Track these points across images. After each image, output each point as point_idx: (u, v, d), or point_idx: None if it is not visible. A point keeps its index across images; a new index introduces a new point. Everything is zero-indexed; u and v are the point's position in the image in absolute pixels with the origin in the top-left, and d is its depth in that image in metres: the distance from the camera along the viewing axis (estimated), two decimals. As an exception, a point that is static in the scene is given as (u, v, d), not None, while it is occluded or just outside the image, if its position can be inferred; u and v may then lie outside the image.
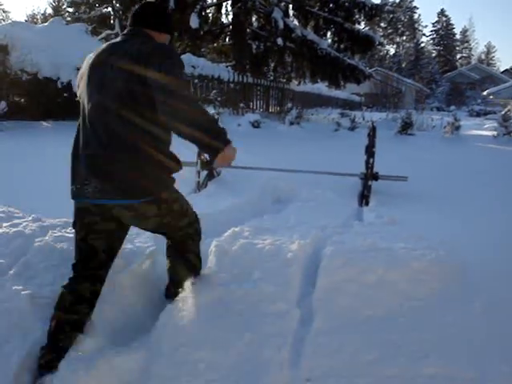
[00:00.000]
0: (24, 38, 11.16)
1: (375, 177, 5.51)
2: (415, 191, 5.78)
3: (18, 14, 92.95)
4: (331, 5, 17.92)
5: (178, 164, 2.74)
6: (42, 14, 55.90)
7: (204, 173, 5.80)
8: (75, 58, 11.44)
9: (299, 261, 3.21)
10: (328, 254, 3.22)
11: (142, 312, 2.99)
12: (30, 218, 3.57)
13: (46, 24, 13.05)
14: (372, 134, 5.68)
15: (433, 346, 2.52)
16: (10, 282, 2.76)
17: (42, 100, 11.22)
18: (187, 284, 2.84)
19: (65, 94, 11.28)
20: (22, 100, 11.47)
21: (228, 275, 3.05)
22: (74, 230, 2.74)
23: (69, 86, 11.20)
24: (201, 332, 2.57)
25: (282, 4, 17.83)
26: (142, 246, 3.45)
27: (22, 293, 2.66)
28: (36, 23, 43.58)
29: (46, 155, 7.09)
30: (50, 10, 55.18)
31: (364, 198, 5.33)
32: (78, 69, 10.22)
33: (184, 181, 5.59)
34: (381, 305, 2.81)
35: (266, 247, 3.35)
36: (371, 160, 5.37)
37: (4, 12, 54.25)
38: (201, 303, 2.79)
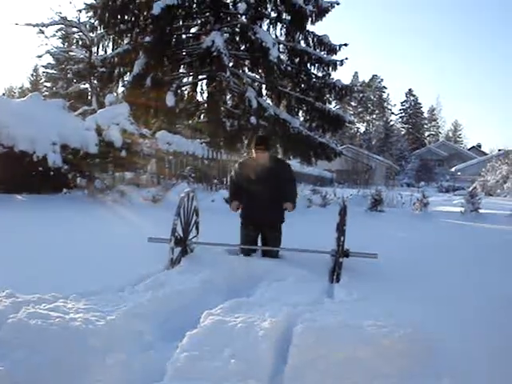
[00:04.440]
0: (1, 112, 11.29)
1: (346, 254, 5.60)
2: (385, 268, 5.89)
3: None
4: (303, 85, 18.63)
5: None
6: (20, 88, 56.54)
7: (177, 249, 5.85)
8: (52, 133, 11.62)
9: (271, 338, 3.26)
10: (299, 331, 3.27)
11: None
12: (4, 294, 3.57)
13: (24, 99, 13.25)
14: (343, 212, 5.83)
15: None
16: (-18, 359, 2.73)
17: (17, 173, 11.25)
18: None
19: (40, 168, 11.35)
20: (-3, 173, 11.48)
21: (198, 353, 3.07)
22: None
23: (44, 160, 11.29)
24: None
25: (256, 84, 18.48)
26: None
27: (-5, 370, 2.63)
28: (13, 97, 44.05)
29: (19, 230, 7.09)
30: (27, 84, 55.90)
31: (335, 274, 5.41)
32: (55, 143, 10.29)
33: (158, 257, 5.65)
34: (350, 382, 2.85)
35: (238, 325, 3.39)
36: (342, 238, 5.49)
37: (-20, 86, 54.87)
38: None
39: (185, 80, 19.66)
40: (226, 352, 3.07)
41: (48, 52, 33.61)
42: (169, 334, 3.65)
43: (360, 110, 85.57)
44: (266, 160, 6.10)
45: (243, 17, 17.19)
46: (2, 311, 3.24)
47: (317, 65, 18.30)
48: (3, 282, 3.94)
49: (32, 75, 56.14)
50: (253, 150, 6.19)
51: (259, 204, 6.20)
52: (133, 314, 3.68)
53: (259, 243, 6.49)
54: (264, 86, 19.07)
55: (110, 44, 18.38)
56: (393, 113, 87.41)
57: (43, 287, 3.97)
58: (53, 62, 41.95)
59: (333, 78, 18.57)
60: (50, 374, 2.79)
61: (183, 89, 19.60)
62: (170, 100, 16.14)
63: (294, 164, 29.71)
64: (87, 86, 29.16)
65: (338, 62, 18.28)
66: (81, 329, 3.20)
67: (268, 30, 17.85)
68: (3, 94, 45.98)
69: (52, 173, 11.57)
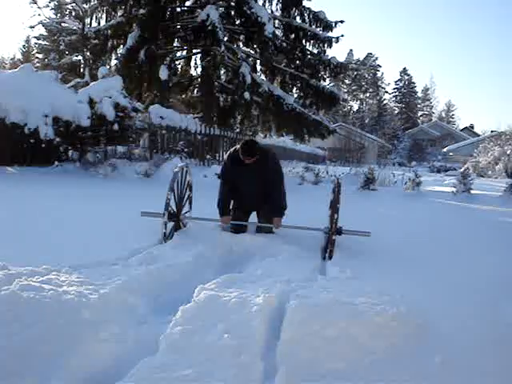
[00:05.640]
0: (-8, 84, 11.19)
1: (339, 231, 5.62)
2: (378, 246, 5.91)
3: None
4: (298, 62, 18.50)
5: None
6: (12, 59, 55.77)
7: (170, 224, 5.84)
8: (44, 105, 11.51)
9: (264, 314, 3.27)
10: (292, 307, 3.29)
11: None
12: (-4, 266, 3.55)
13: (15, 70, 13.09)
14: (337, 189, 5.82)
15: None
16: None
17: (8, 145, 11.17)
18: None
19: (31, 140, 11.27)
20: (-13, 145, 11.39)
21: (192, 327, 3.08)
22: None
23: (36, 132, 11.21)
24: (165, 380, 2.57)
25: (250, 59, 18.34)
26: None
27: (-13, 342, 2.63)
28: (5, 68, 43.50)
29: (8, 203, 7.05)
30: (19, 56, 55.19)
31: (328, 251, 5.42)
32: (47, 115, 10.24)
33: (151, 231, 5.64)
34: (342, 358, 2.87)
35: (231, 300, 3.40)
36: (335, 215, 5.49)
37: (-28, 56, 54.18)
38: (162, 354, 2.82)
39: (179, 54, 19.51)
40: (219, 327, 3.08)
41: (40, 23, 33.12)
42: (162, 308, 3.66)
43: (354, 88, 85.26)
44: (255, 163, 5.89)
45: (239, -9, 16.99)
46: (-6, 283, 3.23)
47: (312, 41, 18.16)
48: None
49: (24, 46, 55.28)
50: (240, 154, 5.86)
51: (249, 201, 6.25)
52: (126, 288, 3.68)
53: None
54: (258, 61, 18.95)
55: (104, 16, 18.13)
56: (386, 91, 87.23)
57: (35, 261, 3.95)
58: (45, 33, 41.29)
59: (328, 55, 18.48)
60: (42, 347, 2.79)
61: (177, 63, 19.46)
62: (163, 74, 16.01)
63: (287, 141, 29.75)
64: (80, 58, 28.87)
65: (333, 39, 18.13)
66: (74, 302, 3.20)
67: (263, 4, 17.65)
68: (-6, 65, 45.53)
69: (43, 145, 11.50)
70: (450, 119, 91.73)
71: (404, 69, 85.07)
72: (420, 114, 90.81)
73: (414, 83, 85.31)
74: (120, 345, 3.03)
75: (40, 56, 45.39)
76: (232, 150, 6.23)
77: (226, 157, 6.35)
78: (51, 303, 3.11)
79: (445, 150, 54.43)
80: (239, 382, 2.60)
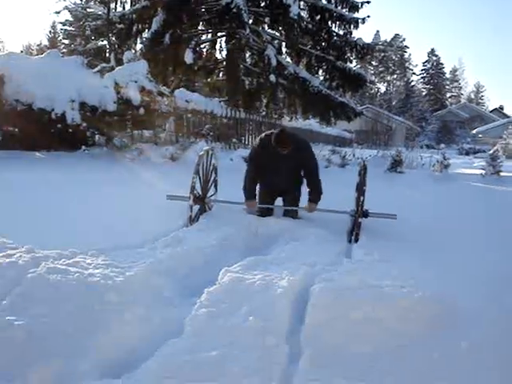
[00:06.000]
0: (20, 69, 11.28)
1: (365, 214, 5.57)
2: (404, 229, 5.84)
3: (14, 45, 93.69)
4: (323, 43, 18.26)
5: None
6: (38, 45, 56.31)
7: (196, 207, 5.86)
8: (70, 90, 11.59)
9: (289, 297, 3.27)
10: (317, 290, 3.28)
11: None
12: (24, 249, 3.60)
13: (42, 56, 13.19)
14: (363, 172, 5.77)
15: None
16: (4, 312, 2.77)
17: (36, 131, 11.29)
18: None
19: (58, 126, 11.36)
20: (16, 130, 11.51)
21: (216, 309, 3.09)
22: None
23: (63, 118, 11.30)
24: (189, 362, 2.59)
25: (276, 42, 18.16)
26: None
27: (16, 323, 2.68)
28: (32, 54, 43.94)
29: (39, 186, 7.13)
30: (45, 42, 55.66)
31: (354, 234, 5.38)
32: (73, 101, 10.30)
33: (176, 215, 5.67)
34: (368, 341, 2.85)
35: (256, 282, 3.40)
36: (362, 198, 5.44)
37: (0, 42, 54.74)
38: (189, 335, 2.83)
39: (203, 37, 19.38)
40: (243, 309, 3.08)
41: (66, 8, 33.38)
42: (187, 291, 3.67)
43: (381, 69, 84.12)
44: (289, 152, 5.75)
45: (264, -28, 16.83)
46: (22, 266, 3.27)
47: (338, 22, 17.85)
48: (22, 238, 3.96)
49: (50, 32, 55.73)
50: (273, 144, 5.70)
51: (277, 186, 6.22)
52: (152, 270, 3.71)
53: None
54: (284, 43, 18.73)
55: (129, 0, 18.13)
56: (414, 73, 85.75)
57: (62, 244, 4.00)
58: (71, 19, 41.53)
59: (354, 37, 18.15)
60: (69, 329, 2.82)
61: (202, 46, 19.35)
62: (188, 57, 15.95)
63: (313, 124, 29.55)
64: (105, 43, 28.88)
65: (359, 20, 17.80)
66: (100, 284, 3.23)
67: (288, -15, 17.43)
68: (21, 52, 45.97)
69: (70, 130, 11.57)
70: (480, 101, 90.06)
71: (432, 50, 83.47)
72: (448, 95, 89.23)
73: (442, 64, 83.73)
74: (145, 327, 3.05)
75: (66, 42, 45.71)
76: (263, 135, 6.10)
77: (256, 141, 6.27)
78: (77, 286, 3.15)
79: (474, 131, 53.49)
80: (263, 365, 2.61)
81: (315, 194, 5.99)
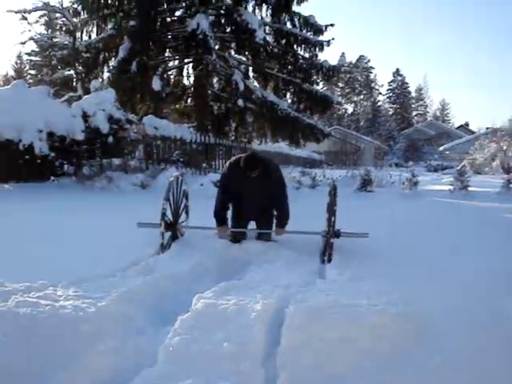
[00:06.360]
0: (-15, 101, 11.19)
1: (337, 234, 5.60)
2: (376, 247, 5.89)
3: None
4: (290, 67, 18.52)
5: None
6: (4, 76, 55.71)
7: (168, 234, 5.82)
8: (37, 120, 11.50)
9: (263, 320, 3.25)
10: (291, 312, 3.27)
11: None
12: (-9, 284, 3.53)
13: (8, 87, 13.10)
14: (333, 192, 5.81)
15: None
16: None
17: (3, 162, 11.15)
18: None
19: (26, 157, 11.24)
20: (-17, 162, 11.37)
21: (191, 336, 3.06)
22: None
23: (31, 148, 11.19)
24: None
25: (242, 66, 18.36)
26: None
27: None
28: (-3, 84, 43.44)
29: (5, 219, 7.02)
30: (11, 72, 55.15)
31: (326, 255, 5.40)
32: (41, 131, 10.21)
33: (148, 242, 5.62)
34: (343, 361, 2.85)
35: (230, 307, 3.38)
36: (333, 218, 5.48)
37: (-36, 74, 54.08)
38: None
39: (171, 64, 19.47)
40: (218, 335, 3.06)
41: (31, 38, 33.19)
42: (161, 319, 3.63)
43: (347, 90, 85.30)
44: (259, 175, 5.73)
45: (228, -1, 17.04)
46: (-10, 300, 3.20)
47: (303, 46, 18.15)
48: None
49: (16, 63, 55.31)
50: (242, 167, 5.69)
51: (249, 210, 6.17)
52: (124, 300, 3.66)
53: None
54: (251, 68, 18.96)
55: (94, 29, 18.09)
56: (380, 93, 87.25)
57: (31, 276, 3.93)
58: (36, 49, 41.28)
59: (320, 59, 18.48)
60: (41, 362, 2.77)
61: (169, 73, 19.45)
62: (156, 84, 15.99)
63: (283, 146, 29.76)
64: (72, 72, 28.77)
65: (324, 43, 18.17)
66: (71, 316, 3.18)
67: (253, 11, 17.59)
68: (-14, 83, 45.45)
69: (39, 161, 11.47)
70: (445, 118, 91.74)
71: (397, 69, 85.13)
72: (415, 113, 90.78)
73: (407, 83, 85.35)
74: (119, 357, 3.00)
75: (32, 72, 45.44)
76: (233, 159, 6.08)
77: (226, 166, 6.22)
78: (48, 318, 3.09)
79: (441, 148, 54.39)
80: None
81: (282, 219, 5.99)
